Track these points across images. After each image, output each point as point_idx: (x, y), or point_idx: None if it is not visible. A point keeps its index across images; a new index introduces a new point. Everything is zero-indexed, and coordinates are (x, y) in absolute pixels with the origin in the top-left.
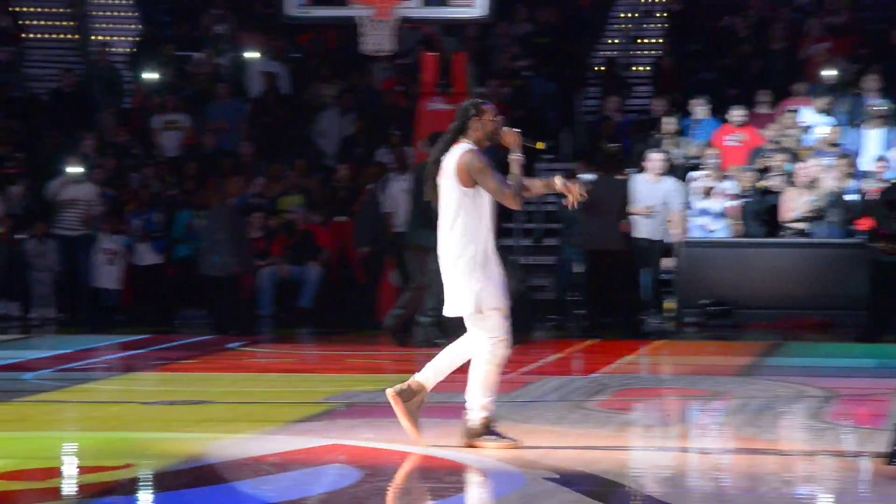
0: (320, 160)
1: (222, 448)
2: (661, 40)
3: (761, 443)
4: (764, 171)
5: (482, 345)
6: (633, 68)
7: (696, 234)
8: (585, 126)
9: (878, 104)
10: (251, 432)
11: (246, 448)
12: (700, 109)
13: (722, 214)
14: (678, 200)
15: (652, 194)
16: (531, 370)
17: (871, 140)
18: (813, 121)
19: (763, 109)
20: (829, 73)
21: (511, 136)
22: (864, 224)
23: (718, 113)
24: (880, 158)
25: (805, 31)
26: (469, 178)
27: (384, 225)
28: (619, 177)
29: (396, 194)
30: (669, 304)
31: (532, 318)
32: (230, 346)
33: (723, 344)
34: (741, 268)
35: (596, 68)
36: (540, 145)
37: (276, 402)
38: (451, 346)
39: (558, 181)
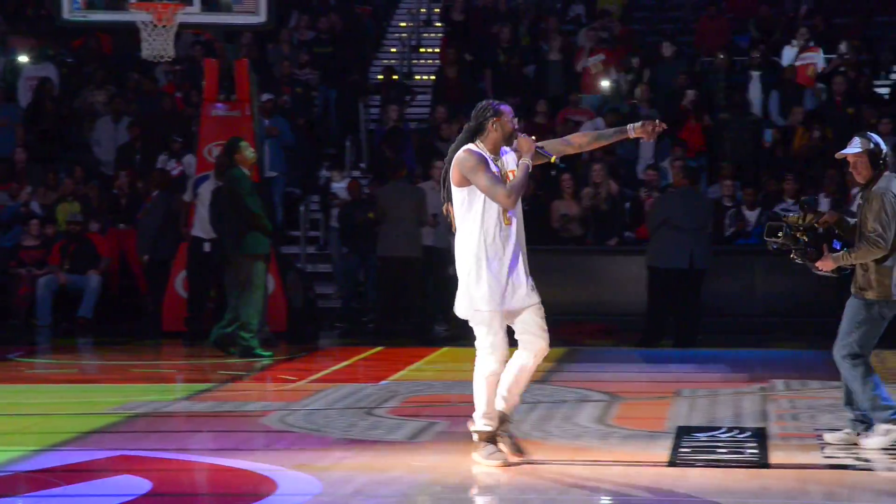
0: (97, 167)
1: (3, 461)
2: (440, 49)
3: (548, 447)
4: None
5: (477, 353)
6: (416, 77)
7: None
8: (368, 134)
9: (646, 114)
10: (34, 445)
11: (29, 461)
12: None
13: None
14: None
15: (435, 202)
16: (320, 378)
17: (644, 149)
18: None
19: (540, 119)
20: (604, 84)
21: (525, 142)
22: (642, 231)
23: None
24: (652, 167)
25: (579, 43)
26: (461, 178)
27: (178, 227)
28: (419, 184)
29: (208, 197)
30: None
31: (318, 326)
32: (9, 356)
33: (509, 350)
34: None
35: (377, 77)
36: (553, 159)
37: (58, 414)
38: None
39: (630, 128)
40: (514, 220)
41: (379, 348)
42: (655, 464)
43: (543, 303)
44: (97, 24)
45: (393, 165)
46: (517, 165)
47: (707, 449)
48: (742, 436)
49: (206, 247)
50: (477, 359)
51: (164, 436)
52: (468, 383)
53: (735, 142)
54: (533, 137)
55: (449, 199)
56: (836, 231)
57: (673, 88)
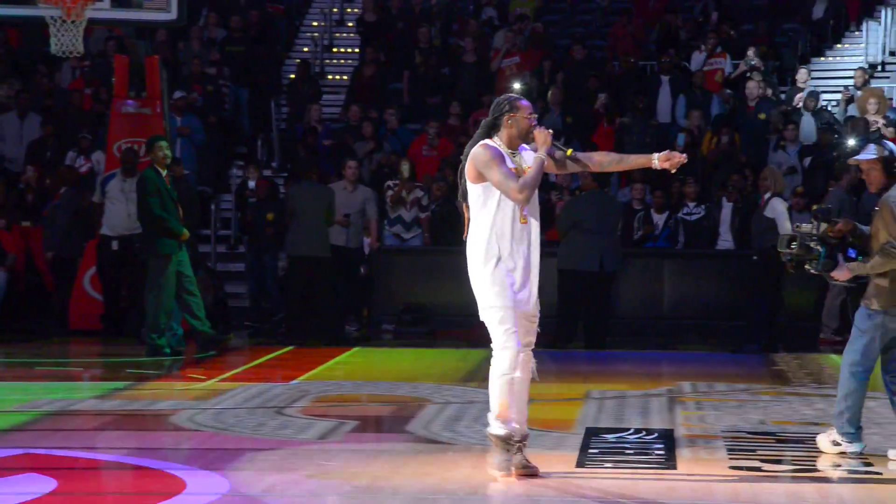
0: (1, 163)
1: None
2: (353, 49)
3: (458, 448)
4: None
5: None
6: (328, 76)
7: (389, 242)
8: (280, 133)
9: (557, 118)
10: None
11: None
12: (393, 119)
13: (415, 223)
14: (373, 209)
15: (348, 202)
16: (229, 377)
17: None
18: None
19: (454, 121)
20: (517, 86)
21: (541, 135)
22: (552, 234)
23: (411, 122)
24: None
25: (496, 44)
26: (477, 174)
27: (86, 224)
28: (329, 184)
29: (115, 195)
30: (366, 311)
31: (228, 325)
32: None
33: (418, 351)
34: (434, 275)
35: (290, 76)
36: (569, 152)
37: None
38: None
39: (654, 158)
40: (531, 220)
41: (289, 348)
42: (564, 465)
43: (455, 305)
44: (5, 18)
45: (303, 165)
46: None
47: (615, 450)
48: (650, 437)
49: (115, 245)
50: (492, 360)
51: (71, 434)
52: (379, 383)
53: (638, 146)
54: (550, 131)
55: (464, 198)
56: (850, 239)
57: (585, 92)
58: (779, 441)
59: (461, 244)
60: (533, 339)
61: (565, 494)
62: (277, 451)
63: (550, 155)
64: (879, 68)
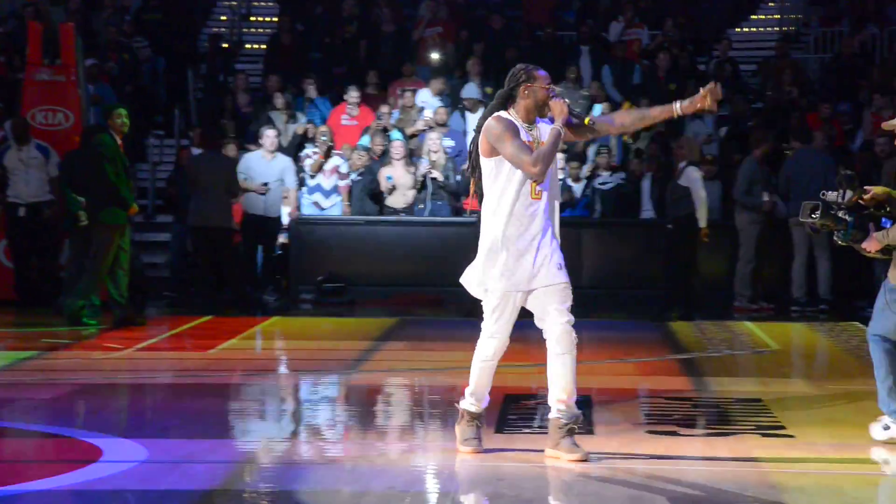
0: None
1: None
2: (272, 18)
3: (379, 415)
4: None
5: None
6: (246, 45)
7: (308, 212)
8: (197, 103)
9: (476, 88)
10: None
11: None
12: (311, 88)
13: (334, 192)
14: (292, 178)
15: (266, 171)
16: (146, 346)
17: (473, 123)
18: (426, 102)
19: (371, 90)
20: (435, 56)
21: (558, 106)
22: (470, 203)
23: (329, 92)
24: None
25: (420, 13)
26: (489, 147)
27: None
28: (227, 153)
29: (14, 164)
30: (285, 281)
31: (146, 295)
32: None
33: (337, 321)
34: (353, 245)
35: (206, 44)
36: (587, 121)
37: None
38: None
39: (676, 106)
40: (546, 195)
41: (207, 318)
42: (484, 430)
43: (375, 274)
44: None
45: (208, 135)
46: None
47: (534, 415)
48: None
49: (21, 211)
50: (479, 340)
51: None
52: (298, 352)
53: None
54: (566, 101)
55: (474, 172)
56: (887, 208)
57: (503, 62)
58: (694, 406)
59: (381, 213)
60: (561, 317)
61: (483, 460)
62: (196, 420)
63: (568, 125)
64: (794, 39)
